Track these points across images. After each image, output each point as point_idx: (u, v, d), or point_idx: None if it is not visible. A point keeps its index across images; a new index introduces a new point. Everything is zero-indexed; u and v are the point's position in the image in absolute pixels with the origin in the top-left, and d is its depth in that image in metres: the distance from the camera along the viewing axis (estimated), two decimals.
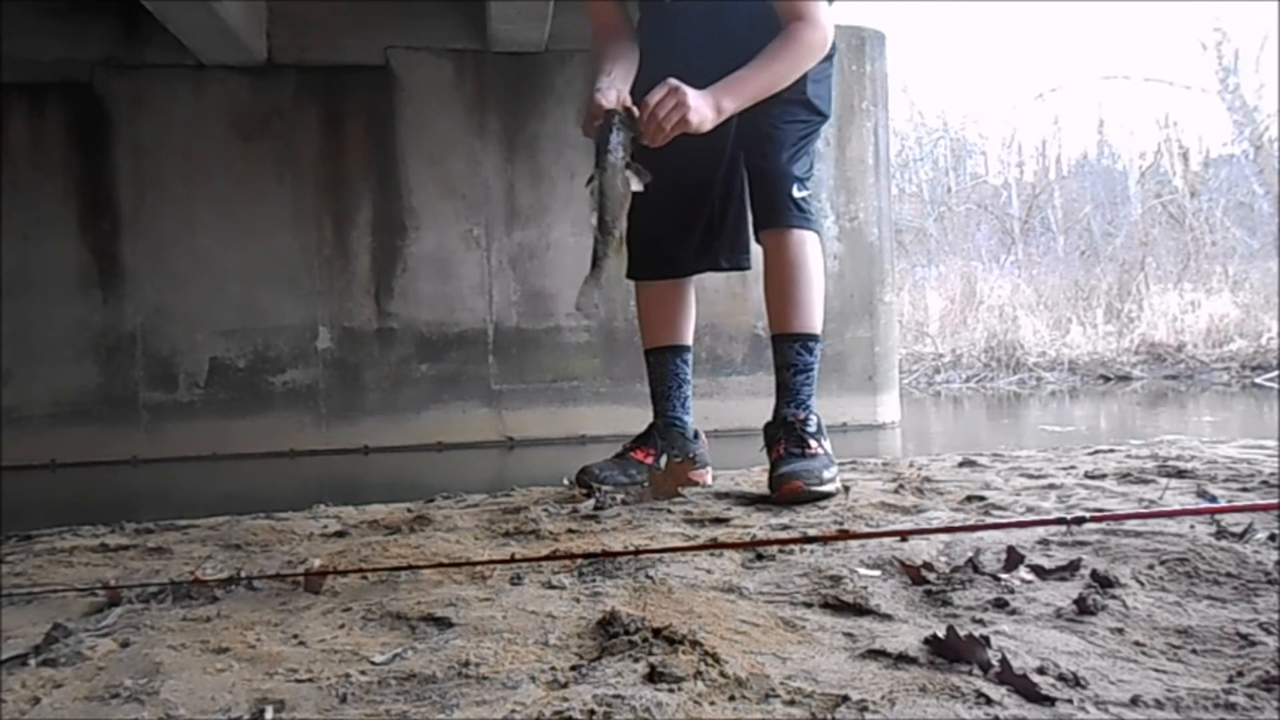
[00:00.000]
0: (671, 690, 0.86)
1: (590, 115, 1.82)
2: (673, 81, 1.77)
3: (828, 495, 1.84)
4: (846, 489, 1.93)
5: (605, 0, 2.09)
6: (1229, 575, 1.18)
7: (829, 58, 2.04)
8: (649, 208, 1.88)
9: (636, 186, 1.79)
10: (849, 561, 1.31)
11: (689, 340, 2.22)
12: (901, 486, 1.98)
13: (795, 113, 2.02)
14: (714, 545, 1.45)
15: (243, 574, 1.32)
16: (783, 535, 1.52)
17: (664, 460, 2.07)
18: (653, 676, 0.89)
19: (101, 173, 4.40)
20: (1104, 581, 1.15)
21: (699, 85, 1.93)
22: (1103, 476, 2.04)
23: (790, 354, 2.02)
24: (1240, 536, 1.35)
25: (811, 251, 2.02)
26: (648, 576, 1.26)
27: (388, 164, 4.60)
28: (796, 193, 1.99)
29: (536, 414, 4.68)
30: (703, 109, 1.79)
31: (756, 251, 2.13)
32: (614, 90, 1.84)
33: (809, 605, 1.14)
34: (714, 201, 2.13)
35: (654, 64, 1.99)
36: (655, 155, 1.82)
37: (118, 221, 4.41)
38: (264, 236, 4.50)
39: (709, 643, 0.96)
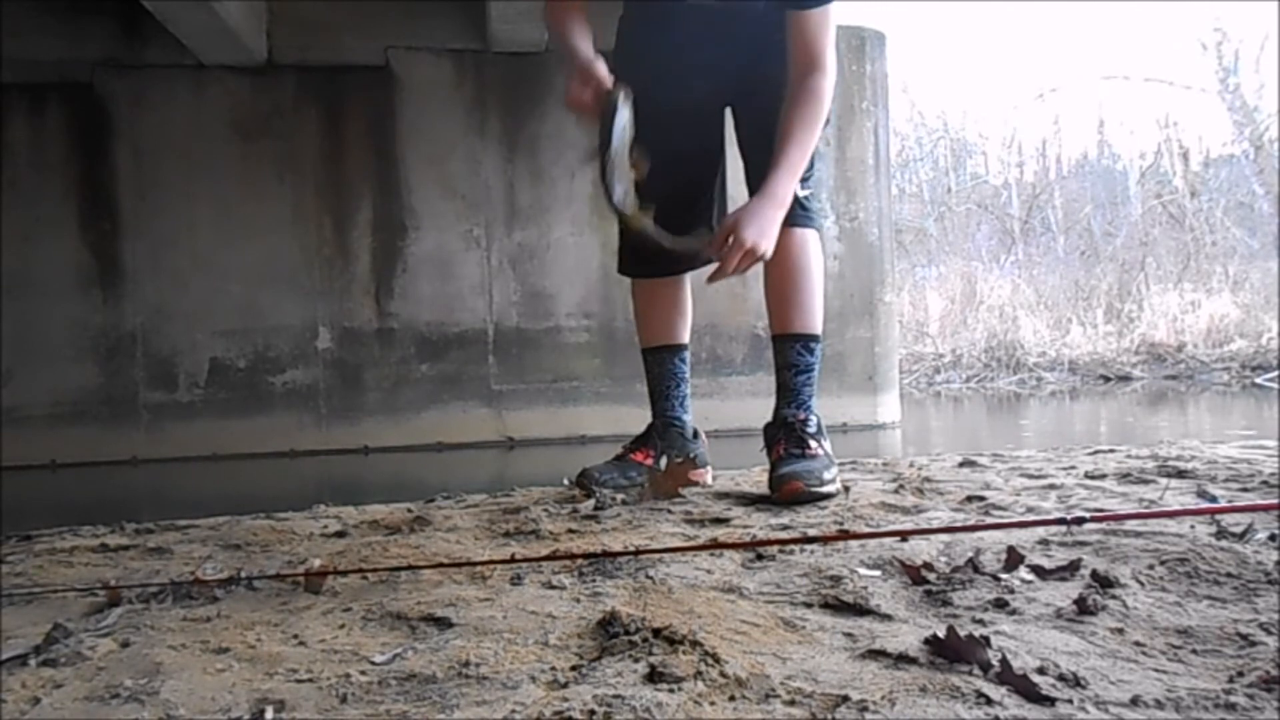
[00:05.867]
0: (671, 690, 0.86)
1: (584, 83, 1.75)
2: (743, 237, 1.74)
3: (828, 496, 1.84)
4: (846, 489, 1.93)
5: None
6: (1229, 575, 1.18)
7: None
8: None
9: (644, 162, 1.74)
10: (849, 561, 1.31)
11: (686, 339, 2.21)
12: (901, 486, 1.98)
13: None
14: (714, 545, 1.45)
15: (243, 574, 1.32)
16: (783, 535, 1.52)
17: (664, 461, 2.07)
18: (653, 676, 0.88)
19: (101, 173, 4.40)
20: (1104, 581, 1.15)
21: (704, 83, 1.94)
22: (1103, 477, 2.04)
23: (791, 354, 2.02)
24: (1240, 536, 1.35)
25: (813, 251, 2.03)
26: (648, 576, 1.26)
27: (388, 164, 4.61)
28: (799, 191, 1.99)
29: (536, 414, 4.68)
30: (770, 232, 1.78)
31: None
32: (601, 62, 1.79)
33: (809, 605, 1.14)
34: (707, 197, 2.12)
35: (657, 61, 1.98)
36: (647, 151, 1.81)
37: (118, 221, 4.41)
38: (264, 236, 4.50)
39: (709, 643, 0.96)
